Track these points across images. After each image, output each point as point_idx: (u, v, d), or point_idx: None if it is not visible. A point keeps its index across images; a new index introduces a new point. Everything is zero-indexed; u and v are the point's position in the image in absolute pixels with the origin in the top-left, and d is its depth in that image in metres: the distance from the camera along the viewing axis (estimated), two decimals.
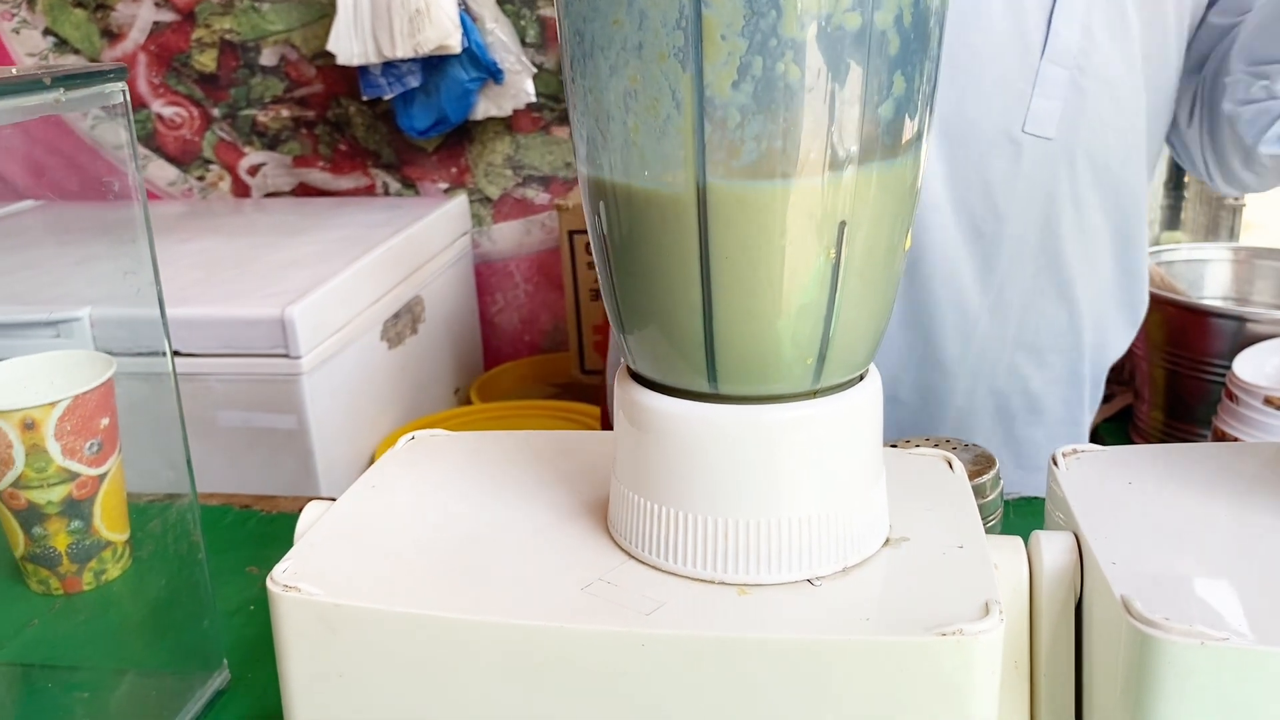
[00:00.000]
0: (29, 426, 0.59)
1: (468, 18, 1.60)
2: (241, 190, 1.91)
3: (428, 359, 1.61)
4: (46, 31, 1.88)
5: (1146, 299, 0.84)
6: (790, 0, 0.29)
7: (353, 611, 0.34)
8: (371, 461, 1.39)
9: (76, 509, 0.62)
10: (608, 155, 0.33)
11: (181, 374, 0.54)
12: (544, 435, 0.46)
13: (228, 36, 1.82)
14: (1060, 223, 0.75)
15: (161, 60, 1.85)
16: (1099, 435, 1.20)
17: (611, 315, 0.36)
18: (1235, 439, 0.90)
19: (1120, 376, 1.25)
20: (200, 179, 1.92)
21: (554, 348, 1.90)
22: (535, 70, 1.69)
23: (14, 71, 0.44)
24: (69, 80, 0.44)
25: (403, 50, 1.56)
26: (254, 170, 1.89)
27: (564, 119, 1.76)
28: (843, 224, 0.32)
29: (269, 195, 1.90)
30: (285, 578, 0.35)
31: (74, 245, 1.12)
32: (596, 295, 1.64)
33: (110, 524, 0.64)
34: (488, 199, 1.84)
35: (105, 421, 0.62)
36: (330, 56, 1.62)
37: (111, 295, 0.52)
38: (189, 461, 0.55)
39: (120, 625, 0.64)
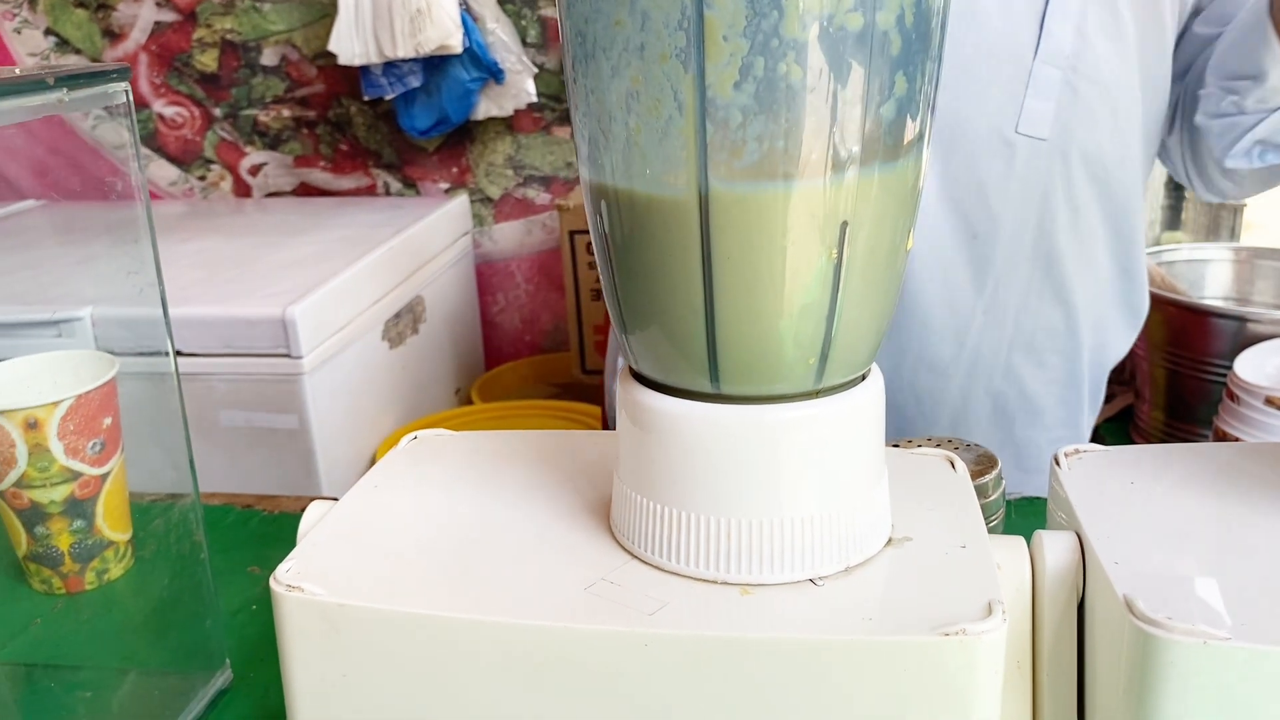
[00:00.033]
0: (32, 426, 0.59)
1: (469, 18, 1.60)
2: (243, 190, 1.91)
3: (429, 359, 1.61)
4: (48, 31, 1.88)
5: (1147, 300, 0.83)
6: (792, 1, 0.29)
7: (356, 611, 0.34)
8: (372, 461, 1.39)
9: (79, 508, 0.62)
10: (609, 156, 0.33)
11: (183, 374, 0.54)
12: (546, 435, 0.46)
13: (229, 36, 1.82)
14: (1055, 224, 0.75)
15: (163, 60, 1.85)
16: (1100, 435, 1.20)
17: (613, 316, 0.36)
18: (1236, 439, 0.90)
19: (1121, 376, 1.25)
20: (201, 179, 1.92)
21: (555, 348, 1.90)
22: (536, 70, 1.69)
23: (17, 71, 0.44)
24: (72, 80, 0.44)
25: (404, 50, 1.56)
26: (255, 170, 1.89)
27: (565, 119, 1.76)
28: (845, 224, 0.32)
29: (270, 195, 1.90)
30: (288, 577, 0.35)
31: (76, 245, 1.12)
32: (597, 295, 1.64)
33: (113, 523, 0.64)
34: (489, 199, 1.84)
35: (108, 421, 0.62)
36: (331, 56, 1.62)
37: (114, 295, 0.52)
38: (191, 461, 0.55)
39: (123, 625, 0.64)
